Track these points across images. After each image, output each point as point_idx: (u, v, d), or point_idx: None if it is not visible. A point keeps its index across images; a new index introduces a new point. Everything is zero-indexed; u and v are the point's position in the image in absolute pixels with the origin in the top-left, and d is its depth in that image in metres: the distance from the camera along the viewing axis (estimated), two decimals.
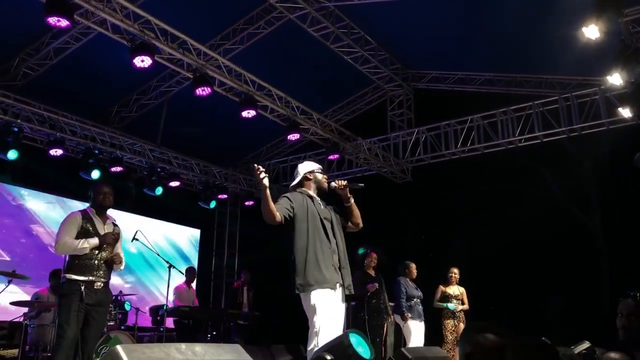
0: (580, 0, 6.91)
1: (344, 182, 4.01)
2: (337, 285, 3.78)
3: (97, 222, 4.75)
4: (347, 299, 3.96)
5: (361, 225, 4.13)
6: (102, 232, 4.72)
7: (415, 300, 7.65)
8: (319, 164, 4.32)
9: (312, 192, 4.04)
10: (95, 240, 4.59)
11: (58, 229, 4.69)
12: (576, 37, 7.04)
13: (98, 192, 4.83)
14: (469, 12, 8.81)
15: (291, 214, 3.79)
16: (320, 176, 4.10)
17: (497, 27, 8.97)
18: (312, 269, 3.70)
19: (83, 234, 4.61)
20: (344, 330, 3.62)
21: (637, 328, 2.77)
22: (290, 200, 3.85)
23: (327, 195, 4.12)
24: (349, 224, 4.12)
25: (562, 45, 8.17)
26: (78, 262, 4.55)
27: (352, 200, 4.03)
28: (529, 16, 8.34)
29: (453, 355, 7.78)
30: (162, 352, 2.12)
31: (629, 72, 7.16)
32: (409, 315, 7.48)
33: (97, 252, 4.63)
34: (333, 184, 4.02)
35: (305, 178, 4.10)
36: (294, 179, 4.18)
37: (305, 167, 4.16)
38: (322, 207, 3.97)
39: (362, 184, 4.09)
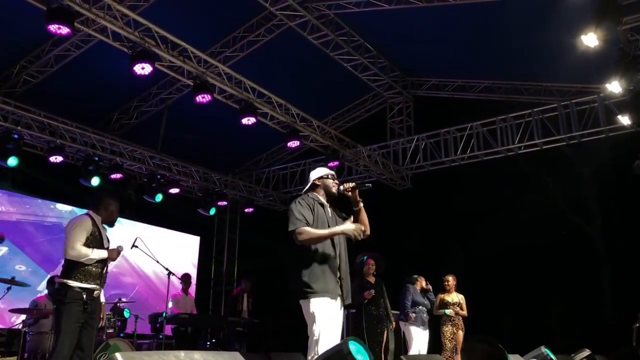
0: (579, 9, 6.93)
1: (352, 184, 3.92)
2: (337, 295, 3.76)
3: (102, 231, 4.76)
4: (345, 307, 3.94)
5: (368, 232, 4.00)
6: (104, 241, 4.73)
7: (420, 307, 7.71)
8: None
9: (322, 198, 4.00)
10: (104, 254, 4.58)
11: (69, 231, 4.57)
12: (575, 45, 7.06)
13: (113, 209, 4.82)
14: (468, 19, 8.84)
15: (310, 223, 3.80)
16: (329, 181, 4.04)
17: (496, 34, 9.00)
18: (315, 277, 3.69)
19: (92, 240, 4.59)
20: (342, 339, 3.61)
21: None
22: (302, 209, 3.81)
23: (337, 202, 4.06)
24: None
25: (561, 53, 8.19)
26: (83, 269, 4.49)
27: (362, 205, 3.94)
28: (528, 24, 8.37)
29: None
30: None
31: (628, 79, 7.17)
32: (413, 315, 7.53)
33: (99, 262, 4.62)
34: (341, 187, 3.96)
35: (314, 184, 4.08)
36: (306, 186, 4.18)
37: (316, 173, 4.13)
38: (330, 214, 3.94)
39: (370, 184, 4.02)
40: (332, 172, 4.12)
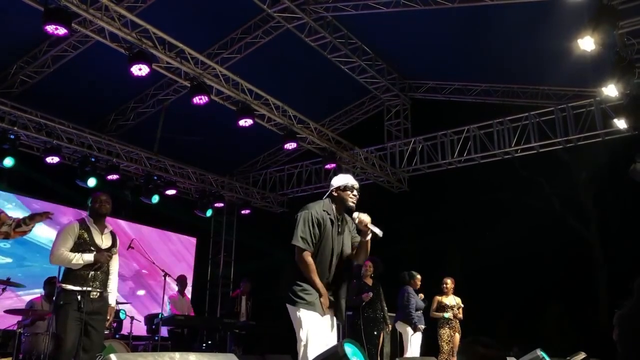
0: (576, 12, 6.95)
1: (367, 220, 3.73)
2: (327, 311, 3.70)
3: (95, 231, 4.73)
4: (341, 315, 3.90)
5: (361, 262, 3.94)
6: (99, 242, 4.71)
7: (421, 311, 7.71)
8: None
9: (335, 212, 3.84)
10: (90, 258, 4.57)
11: (55, 238, 4.66)
12: (572, 48, 7.08)
13: (95, 200, 4.83)
14: (465, 23, 8.86)
15: (314, 241, 3.71)
16: (347, 195, 3.83)
17: (493, 38, 9.02)
18: (307, 290, 3.65)
19: (80, 243, 4.60)
20: (338, 341, 3.60)
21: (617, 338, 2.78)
22: (311, 226, 3.71)
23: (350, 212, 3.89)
24: (357, 255, 3.92)
25: (558, 56, 8.21)
26: (74, 273, 4.54)
27: (369, 238, 3.79)
28: (525, 27, 8.39)
29: None
30: None
31: (624, 83, 7.19)
32: (422, 327, 7.54)
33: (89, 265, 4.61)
34: (356, 215, 3.78)
35: (331, 194, 3.91)
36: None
37: (337, 181, 3.94)
38: (337, 233, 3.81)
39: (382, 233, 3.73)
40: (352, 184, 3.88)
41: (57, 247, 4.56)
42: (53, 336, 4.50)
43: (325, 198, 3.96)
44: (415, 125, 11.57)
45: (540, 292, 11.82)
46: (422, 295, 8.01)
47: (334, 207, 3.87)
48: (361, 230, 3.81)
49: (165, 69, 7.81)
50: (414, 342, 7.57)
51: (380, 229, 3.73)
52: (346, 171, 11.18)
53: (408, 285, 7.81)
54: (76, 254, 4.53)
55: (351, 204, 3.84)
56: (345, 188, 3.87)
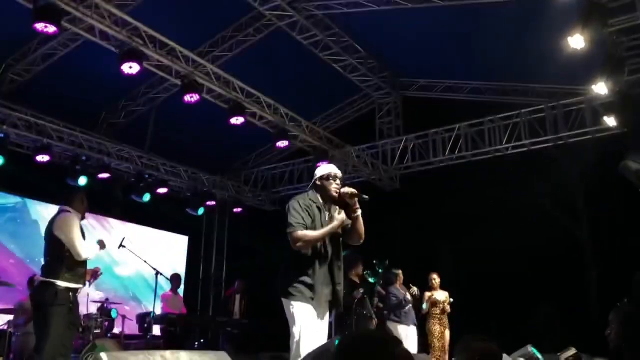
0: (566, 11, 6.98)
1: (351, 191, 3.81)
2: (325, 302, 3.73)
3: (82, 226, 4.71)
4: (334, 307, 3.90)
5: (363, 239, 3.92)
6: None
7: (410, 306, 7.74)
8: (313, 171, 4.10)
9: (321, 200, 3.87)
10: (98, 249, 4.57)
11: (69, 231, 4.41)
12: (562, 46, 7.11)
13: (84, 200, 4.74)
14: (456, 21, 8.88)
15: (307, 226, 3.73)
16: (329, 184, 3.87)
17: (484, 36, 9.04)
18: (301, 281, 3.65)
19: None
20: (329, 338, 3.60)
21: (616, 337, 2.80)
22: (301, 214, 3.73)
23: (338, 203, 3.91)
24: (350, 237, 3.94)
25: (548, 54, 8.25)
26: (74, 269, 4.38)
27: (359, 213, 3.82)
28: (516, 25, 8.42)
29: None
30: None
31: (614, 81, 7.25)
32: (405, 325, 7.60)
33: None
34: (343, 190, 3.83)
35: (315, 184, 3.95)
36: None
37: (319, 171, 3.98)
38: (327, 218, 3.83)
39: (367, 197, 3.87)
40: (335, 173, 3.92)
41: (79, 238, 4.38)
42: (44, 336, 4.25)
43: (309, 189, 3.99)
44: (406, 124, 11.57)
45: (531, 289, 11.86)
46: (415, 289, 7.98)
47: (319, 196, 3.90)
48: (350, 204, 3.83)
49: (156, 67, 7.79)
50: (409, 337, 7.62)
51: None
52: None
53: (392, 286, 7.86)
54: (93, 245, 4.50)
55: (334, 193, 3.86)
56: (328, 177, 3.90)
